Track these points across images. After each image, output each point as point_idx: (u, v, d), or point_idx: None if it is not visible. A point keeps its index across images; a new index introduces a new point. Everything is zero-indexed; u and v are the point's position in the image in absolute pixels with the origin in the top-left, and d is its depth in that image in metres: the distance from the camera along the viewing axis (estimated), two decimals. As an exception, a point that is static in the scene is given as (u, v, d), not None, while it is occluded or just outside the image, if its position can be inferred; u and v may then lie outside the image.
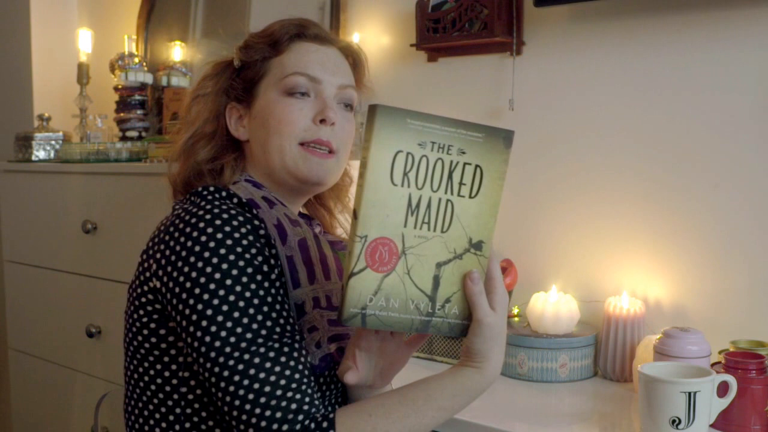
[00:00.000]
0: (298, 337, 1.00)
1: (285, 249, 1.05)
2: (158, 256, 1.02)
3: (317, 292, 1.07)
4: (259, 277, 0.98)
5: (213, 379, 0.95)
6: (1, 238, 2.53)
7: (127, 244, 1.99)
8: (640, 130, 1.65)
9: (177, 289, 0.99)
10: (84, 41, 2.49)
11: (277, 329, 0.97)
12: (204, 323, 0.96)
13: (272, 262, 1.02)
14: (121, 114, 2.41)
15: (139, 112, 2.42)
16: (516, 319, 1.76)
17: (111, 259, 2.07)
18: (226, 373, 0.94)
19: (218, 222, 0.99)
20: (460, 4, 1.80)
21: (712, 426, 1.27)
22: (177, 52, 2.46)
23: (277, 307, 0.99)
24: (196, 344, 0.97)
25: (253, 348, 0.95)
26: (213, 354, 0.95)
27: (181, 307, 0.98)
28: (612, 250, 1.69)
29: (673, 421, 1.20)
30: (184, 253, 0.98)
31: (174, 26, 2.56)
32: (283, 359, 0.95)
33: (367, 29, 2.07)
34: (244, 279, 0.97)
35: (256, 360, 0.94)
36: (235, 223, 1.00)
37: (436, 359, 1.74)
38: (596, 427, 1.37)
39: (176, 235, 1.01)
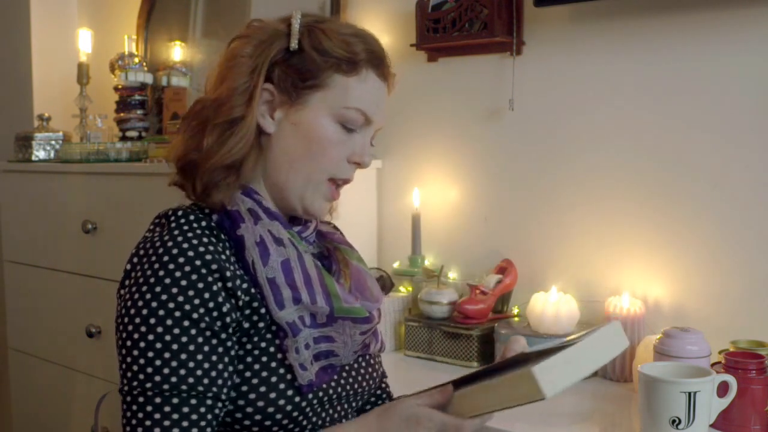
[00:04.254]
0: (214, 390, 0.99)
1: (266, 270, 1.04)
2: (123, 282, 1.06)
3: (302, 311, 1.05)
4: (186, 323, 0.98)
5: (122, 402, 1.00)
6: (1, 238, 2.53)
7: (127, 244, 1.98)
8: (639, 129, 1.65)
9: (117, 313, 1.04)
10: (84, 41, 2.49)
11: (190, 380, 0.97)
12: (124, 351, 1.00)
13: (220, 300, 1.00)
14: (121, 114, 2.41)
15: (139, 112, 2.42)
16: (516, 319, 1.76)
17: (111, 259, 2.07)
18: (128, 399, 0.98)
19: (165, 258, 1.00)
20: (460, 4, 1.80)
21: (712, 426, 1.27)
22: (177, 52, 2.46)
23: (199, 357, 0.98)
24: (119, 362, 1.02)
25: (156, 390, 0.97)
26: (125, 381, 1.00)
27: (118, 330, 1.03)
28: (612, 250, 1.69)
29: (673, 421, 1.20)
30: (132, 284, 1.02)
31: (174, 26, 2.56)
32: (185, 410, 0.97)
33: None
34: (169, 322, 0.98)
35: (158, 400, 0.97)
36: (181, 260, 0.99)
37: (436, 359, 1.74)
38: (596, 427, 1.37)
39: (134, 260, 1.04)
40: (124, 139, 2.38)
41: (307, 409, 1.06)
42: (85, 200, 2.15)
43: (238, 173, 1.08)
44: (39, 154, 2.39)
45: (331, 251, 1.19)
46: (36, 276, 2.33)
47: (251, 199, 1.09)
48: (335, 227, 1.31)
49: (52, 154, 2.39)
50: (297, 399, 1.04)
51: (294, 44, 1.08)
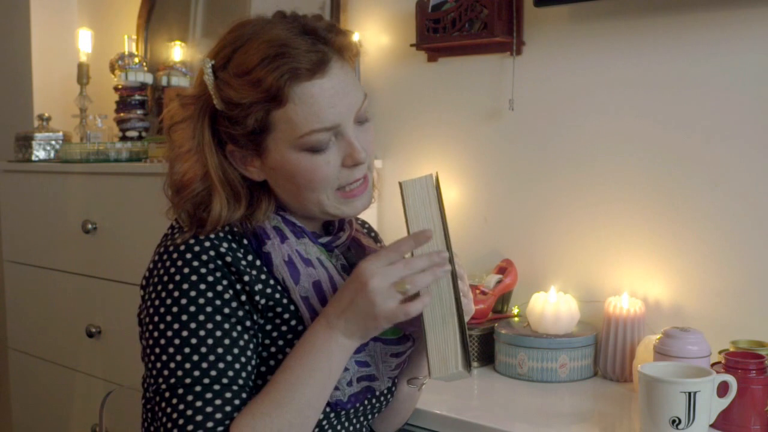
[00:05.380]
0: (250, 383, 1.00)
1: (299, 289, 1.04)
2: (143, 283, 1.05)
3: None
4: (218, 317, 0.98)
5: (156, 398, 0.99)
6: (1, 238, 2.53)
7: (127, 244, 1.99)
8: (639, 129, 1.65)
9: (144, 312, 1.03)
10: (84, 41, 2.49)
11: (230, 372, 0.97)
12: (157, 350, 0.99)
13: (243, 299, 1.00)
14: (121, 114, 2.41)
15: (139, 112, 2.42)
16: (516, 319, 1.76)
17: (111, 259, 2.07)
18: (167, 395, 0.97)
19: (188, 255, 0.99)
20: (460, 4, 1.80)
21: (712, 426, 1.27)
22: (177, 52, 2.46)
23: (235, 350, 0.98)
24: (150, 365, 1.00)
25: (198, 384, 0.96)
26: (160, 378, 0.98)
27: (147, 330, 1.01)
28: (612, 250, 1.69)
29: (673, 421, 1.20)
30: (158, 282, 1.01)
31: (174, 26, 2.56)
32: (219, 402, 0.96)
33: (367, 29, 2.07)
34: (202, 317, 0.97)
35: (197, 392, 0.96)
36: (204, 257, 0.99)
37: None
38: (596, 427, 1.37)
39: (156, 258, 1.03)
40: (124, 139, 2.38)
41: (323, 422, 1.06)
42: (85, 200, 2.15)
43: (251, 219, 1.06)
44: (39, 154, 2.39)
45: None
46: (36, 276, 2.33)
47: (276, 215, 1.08)
48: (377, 239, 1.30)
49: (52, 154, 2.39)
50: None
51: (217, 105, 1.02)
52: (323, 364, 0.98)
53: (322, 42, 1.02)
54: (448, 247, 1.03)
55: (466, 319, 1.06)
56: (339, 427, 1.10)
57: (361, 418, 1.14)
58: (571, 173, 1.75)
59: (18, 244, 2.42)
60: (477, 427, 1.35)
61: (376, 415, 1.18)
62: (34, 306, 2.36)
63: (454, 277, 1.02)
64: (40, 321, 2.35)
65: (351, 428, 1.13)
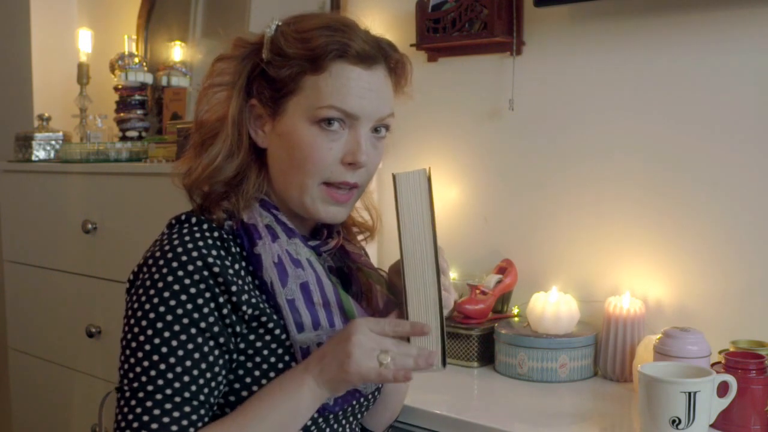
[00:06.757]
0: (211, 401, 0.99)
1: (286, 291, 1.03)
2: (128, 286, 1.05)
3: (321, 338, 1.04)
4: (193, 330, 0.97)
5: (117, 394, 0.99)
6: (1, 238, 2.53)
7: (127, 244, 1.99)
8: (639, 129, 1.65)
9: (125, 313, 1.03)
10: (84, 41, 2.49)
11: (193, 387, 0.97)
12: (128, 352, 0.99)
13: (225, 311, 0.99)
14: (121, 114, 2.41)
15: (139, 112, 2.42)
16: (516, 319, 1.76)
17: (111, 259, 2.07)
18: (127, 395, 0.97)
19: (174, 264, 0.99)
20: (460, 4, 1.80)
21: (712, 426, 1.27)
22: (177, 52, 2.46)
23: (203, 366, 0.98)
24: (119, 364, 1.00)
25: (159, 393, 0.96)
26: (125, 381, 0.98)
27: (123, 330, 1.02)
28: (612, 250, 1.69)
29: (673, 421, 1.20)
30: (140, 286, 1.01)
31: (174, 26, 2.56)
32: (178, 414, 0.95)
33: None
34: (177, 328, 0.97)
35: (157, 401, 0.95)
36: (190, 267, 0.98)
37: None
38: (596, 427, 1.37)
39: (142, 262, 1.03)
40: (124, 139, 2.39)
41: (312, 428, 1.06)
42: (85, 200, 2.15)
43: (238, 190, 1.06)
44: (39, 154, 2.39)
45: (353, 271, 1.18)
46: (36, 276, 2.33)
47: (269, 214, 1.08)
48: (365, 252, 1.29)
49: (52, 154, 2.39)
50: None
51: (266, 55, 1.06)
52: (291, 404, 0.98)
53: (380, 49, 1.09)
54: (434, 241, 1.04)
55: (445, 312, 1.06)
56: (328, 431, 1.10)
57: (350, 418, 1.14)
58: (571, 173, 1.75)
59: (18, 244, 2.42)
60: (477, 427, 1.35)
61: (365, 413, 1.18)
62: (34, 306, 2.37)
63: (438, 272, 1.02)
64: (40, 321, 2.35)
65: (340, 429, 1.12)
